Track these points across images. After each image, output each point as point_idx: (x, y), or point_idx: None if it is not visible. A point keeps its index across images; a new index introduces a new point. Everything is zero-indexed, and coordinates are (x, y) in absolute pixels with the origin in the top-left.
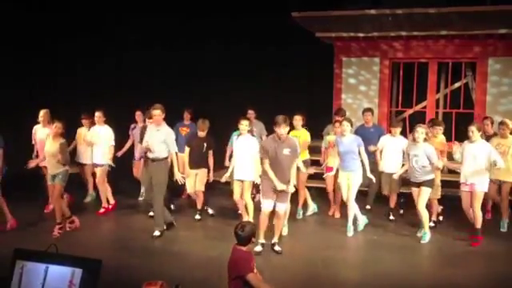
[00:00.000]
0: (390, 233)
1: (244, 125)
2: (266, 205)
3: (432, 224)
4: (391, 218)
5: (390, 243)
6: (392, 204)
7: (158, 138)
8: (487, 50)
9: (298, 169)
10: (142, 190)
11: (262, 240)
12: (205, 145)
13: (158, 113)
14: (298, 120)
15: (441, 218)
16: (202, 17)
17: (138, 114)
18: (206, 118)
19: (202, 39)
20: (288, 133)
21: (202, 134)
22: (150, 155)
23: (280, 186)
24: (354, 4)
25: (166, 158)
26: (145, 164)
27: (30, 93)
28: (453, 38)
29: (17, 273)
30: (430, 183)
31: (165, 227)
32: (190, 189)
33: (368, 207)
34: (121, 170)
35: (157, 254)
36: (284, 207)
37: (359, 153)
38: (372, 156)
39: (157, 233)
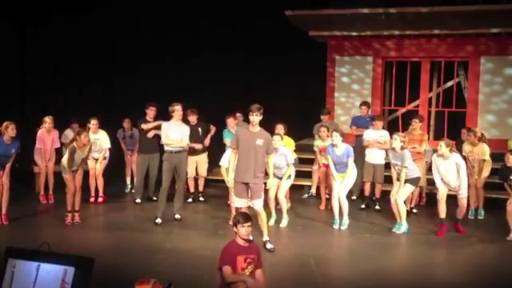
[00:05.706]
0: (383, 231)
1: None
2: (238, 203)
3: (415, 210)
4: (376, 207)
5: (383, 241)
6: (377, 194)
7: (185, 131)
8: (479, 48)
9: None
10: (129, 182)
11: None
12: (199, 129)
13: (180, 108)
14: (279, 129)
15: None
16: (198, 21)
17: (127, 121)
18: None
19: (200, 41)
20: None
21: (193, 121)
22: (176, 148)
23: (245, 178)
24: (346, 3)
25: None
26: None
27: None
28: (445, 37)
29: (8, 271)
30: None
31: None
32: (190, 174)
33: (353, 198)
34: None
35: (149, 252)
36: (260, 203)
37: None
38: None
39: (178, 216)
